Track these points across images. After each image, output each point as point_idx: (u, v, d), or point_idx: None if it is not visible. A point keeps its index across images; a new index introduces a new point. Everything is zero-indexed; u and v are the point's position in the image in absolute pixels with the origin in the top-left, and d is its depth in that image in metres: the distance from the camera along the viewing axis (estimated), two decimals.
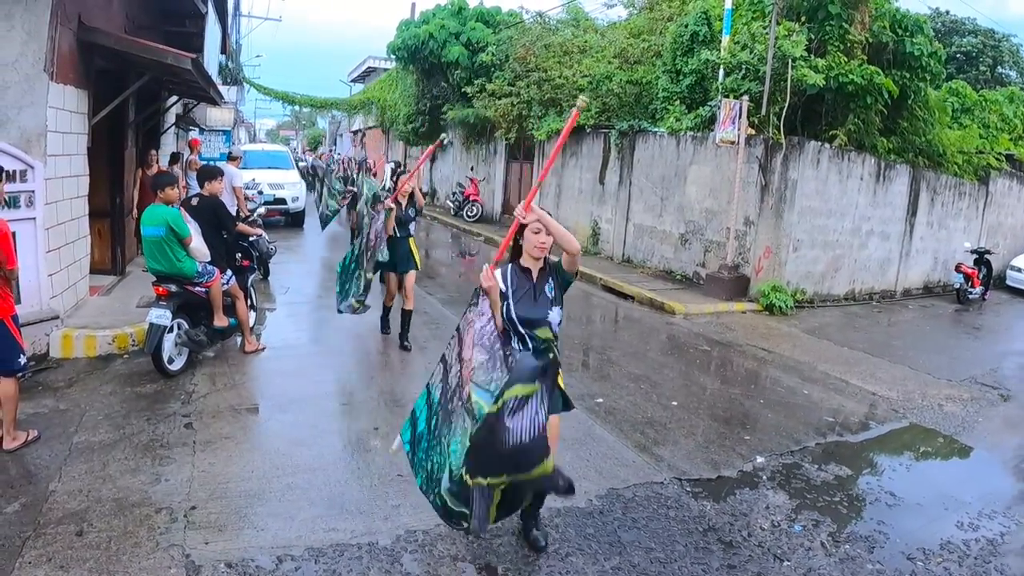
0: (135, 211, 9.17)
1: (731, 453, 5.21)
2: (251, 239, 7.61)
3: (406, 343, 7.20)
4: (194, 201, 6.43)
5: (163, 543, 3.48)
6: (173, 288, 5.84)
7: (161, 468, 4.28)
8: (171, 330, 5.81)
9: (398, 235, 6.98)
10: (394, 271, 7.16)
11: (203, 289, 6.08)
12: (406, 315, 7.20)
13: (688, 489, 4.53)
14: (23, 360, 4.52)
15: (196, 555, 3.40)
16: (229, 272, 6.53)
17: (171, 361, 5.87)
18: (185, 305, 6.00)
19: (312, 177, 23.16)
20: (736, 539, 3.98)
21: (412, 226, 7.20)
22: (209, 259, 6.11)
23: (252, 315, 7.20)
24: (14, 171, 5.87)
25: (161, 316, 5.60)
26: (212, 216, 6.39)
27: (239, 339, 6.81)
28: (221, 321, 6.26)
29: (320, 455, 4.62)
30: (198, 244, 5.96)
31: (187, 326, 6.00)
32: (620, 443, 5.17)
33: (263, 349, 6.79)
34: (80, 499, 3.87)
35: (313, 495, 4.07)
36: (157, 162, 9.89)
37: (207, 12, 10.64)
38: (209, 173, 6.68)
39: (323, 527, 3.73)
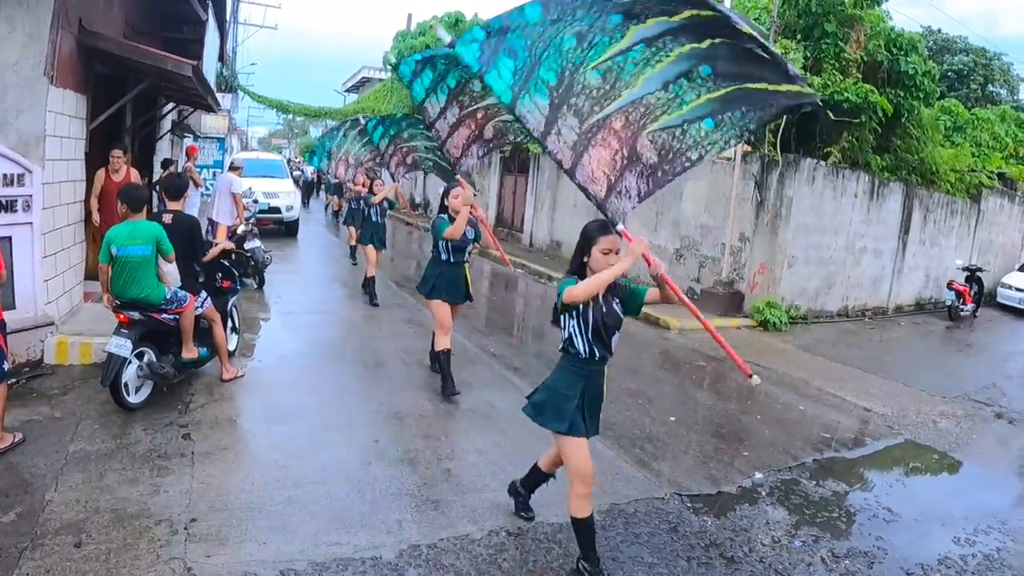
0: (98, 220, 7.61)
1: (730, 469, 5.22)
2: (248, 251, 7.41)
3: (452, 388, 6.13)
4: (166, 218, 5.72)
5: (164, 556, 3.43)
6: (136, 316, 5.30)
7: (160, 479, 4.22)
8: (133, 359, 5.27)
9: (452, 261, 6.23)
10: (447, 300, 6.22)
11: (172, 316, 5.52)
12: (445, 356, 6.19)
13: (689, 505, 4.53)
14: (6, 367, 4.40)
15: (198, 569, 3.35)
16: (204, 294, 5.95)
17: (132, 393, 5.30)
18: (151, 333, 5.44)
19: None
20: (738, 555, 3.99)
21: (469, 250, 6.41)
22: (180, 284, 5.61)
23: (235, 338, 6.76)
24: (12, 175, 5.83)
25: (121, 346, 5.07)
26: (186, 236, 5.77)
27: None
28: (190, 352, 5.68)
29: (320, 468, 4.58)
30: (171, 268, 5.52)
31: (152, 356, 5.44)
32: (620, 458, 5.17)
33: (242, 375, 6.24)
34: (77, 509, 3.80)
35: (314, 508, 4.03)
36: (128, 164, 7.99)
37: (207, 19, 10.62)
38: (175, 191, 6.00)
39: (326, 541, 3.69)
